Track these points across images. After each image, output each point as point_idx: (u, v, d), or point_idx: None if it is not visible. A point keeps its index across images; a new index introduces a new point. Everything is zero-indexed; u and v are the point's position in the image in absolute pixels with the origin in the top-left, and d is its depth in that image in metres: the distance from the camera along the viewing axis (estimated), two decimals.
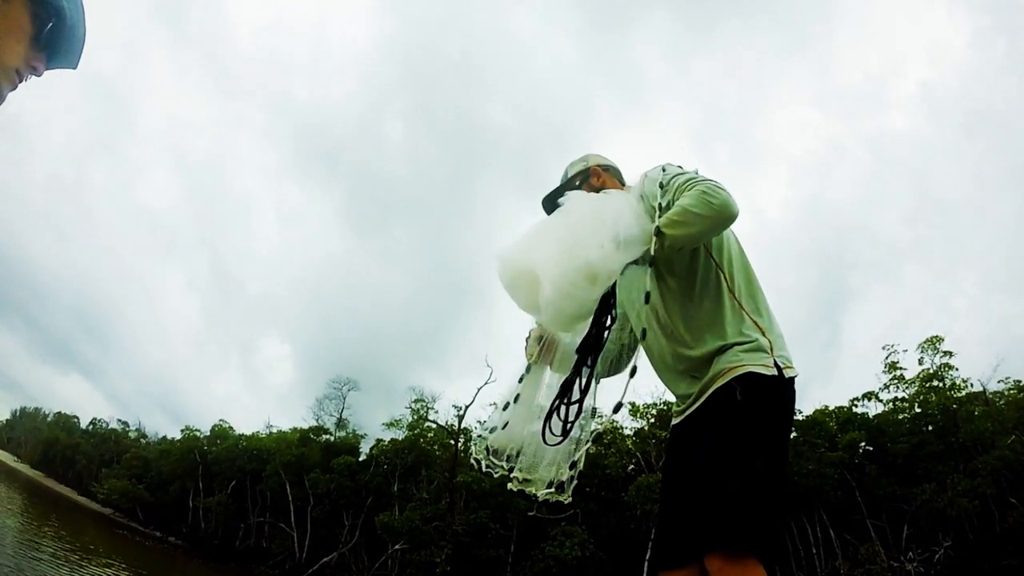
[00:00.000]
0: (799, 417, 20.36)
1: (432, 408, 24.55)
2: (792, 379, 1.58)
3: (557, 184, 1.98)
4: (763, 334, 1.61)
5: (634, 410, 21.96)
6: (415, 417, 24.54)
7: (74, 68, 0.89)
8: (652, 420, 21.50)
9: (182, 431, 34.54)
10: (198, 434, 33.33)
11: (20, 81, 0.82)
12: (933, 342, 21.75)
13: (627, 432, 22.48)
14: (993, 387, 21.26)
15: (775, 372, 1.54)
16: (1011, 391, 21.26)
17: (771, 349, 1.58)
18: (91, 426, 48.58)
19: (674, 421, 1.77)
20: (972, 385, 21.15)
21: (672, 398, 1.82)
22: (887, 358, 22.85)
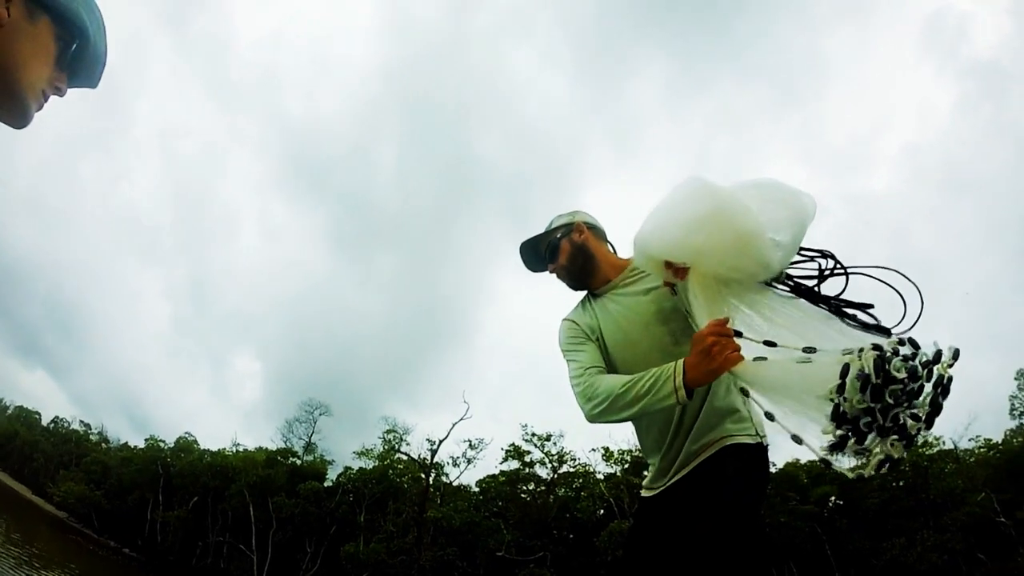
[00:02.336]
0: (772, 470, 20.38)
1: (404, 440, 24.03)
2: (767, 447, 1.61)
3: (539, 232, 1.96)
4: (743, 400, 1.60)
5: (607, 455, 21.67)
6: (386, 447, 24.00)
7: (94, 87, 0.89)
8: (626, 466, 21.22)
9: (146, 440, 33.62)
10: (162, 444, 32.38)
11: (45, 101, 0.82)
12: None
13: (599, 476, 22.22)
14: (964, 445, 21.54)
15: (758, 440, 1.57)
16: (981, 449, 21.57)
17: (751, 417, 1.60)
18: (52, 424, 47.03)
19: (645, 494, 1.73)
20: (943, 443, 21.38)
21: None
22: None
